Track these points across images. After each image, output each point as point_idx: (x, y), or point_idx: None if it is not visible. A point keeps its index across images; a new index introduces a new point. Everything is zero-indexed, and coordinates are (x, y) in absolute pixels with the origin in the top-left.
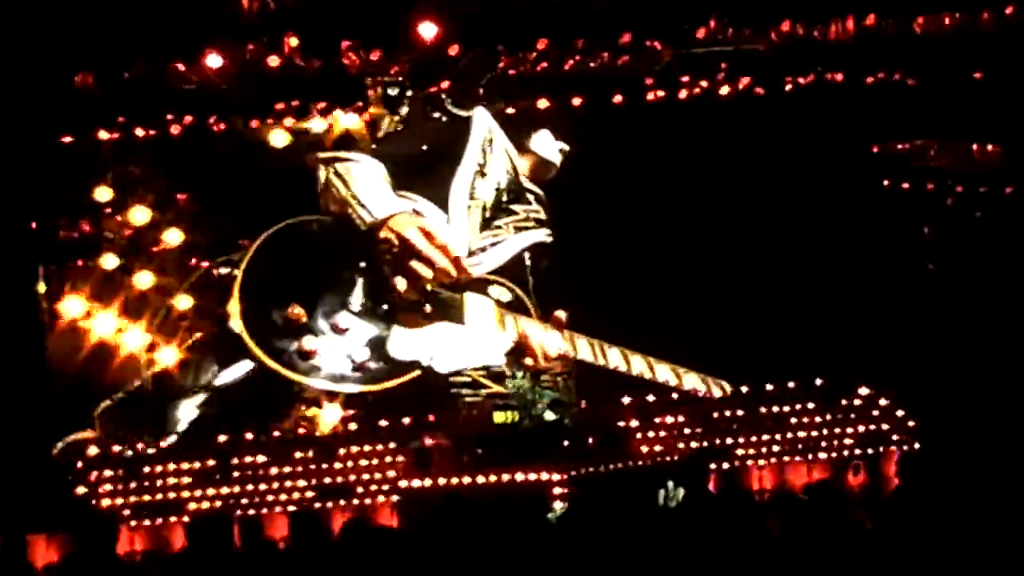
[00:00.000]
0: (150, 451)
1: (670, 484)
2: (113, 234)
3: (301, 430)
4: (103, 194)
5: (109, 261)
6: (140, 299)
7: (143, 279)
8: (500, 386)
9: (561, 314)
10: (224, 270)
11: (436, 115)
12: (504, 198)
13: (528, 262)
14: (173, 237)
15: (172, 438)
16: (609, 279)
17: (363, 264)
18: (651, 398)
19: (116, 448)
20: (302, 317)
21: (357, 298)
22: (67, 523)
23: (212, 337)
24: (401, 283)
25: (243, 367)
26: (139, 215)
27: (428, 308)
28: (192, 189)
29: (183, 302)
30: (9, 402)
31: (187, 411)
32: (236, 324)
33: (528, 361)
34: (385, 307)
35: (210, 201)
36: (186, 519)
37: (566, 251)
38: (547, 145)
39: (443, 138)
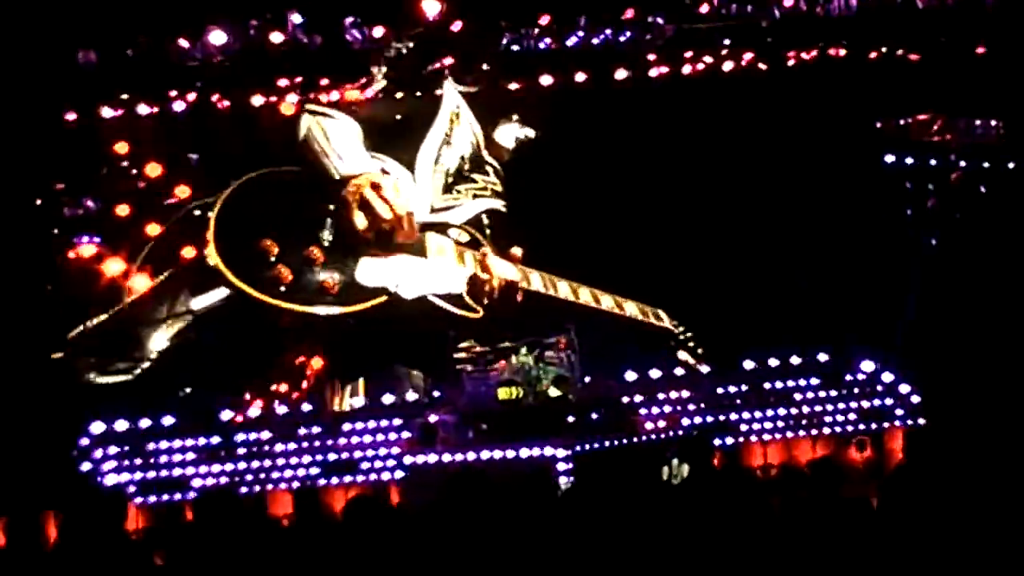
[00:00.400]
0: (123, 377)
1: (674, 461)
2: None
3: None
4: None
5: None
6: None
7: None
8: (505, 363)
9: (517, 250)
10: (198, 212)
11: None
12: (466, 167)
13: (486, 219)
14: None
15: (145, 364)
16: (611, 260)
17: (332, 207)
18: (655, 374)
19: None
20: (273, 247)
21: (326, 235)
22: (75, 501)
23: (187, 270)
24: (361, 221)
25: (219, 293)
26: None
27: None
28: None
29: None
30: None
31: (161, 339)
32: (212, 257)
33: (486, 287)
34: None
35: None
36: (191, 496)
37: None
38: (506, 134)
39: (415, 109)
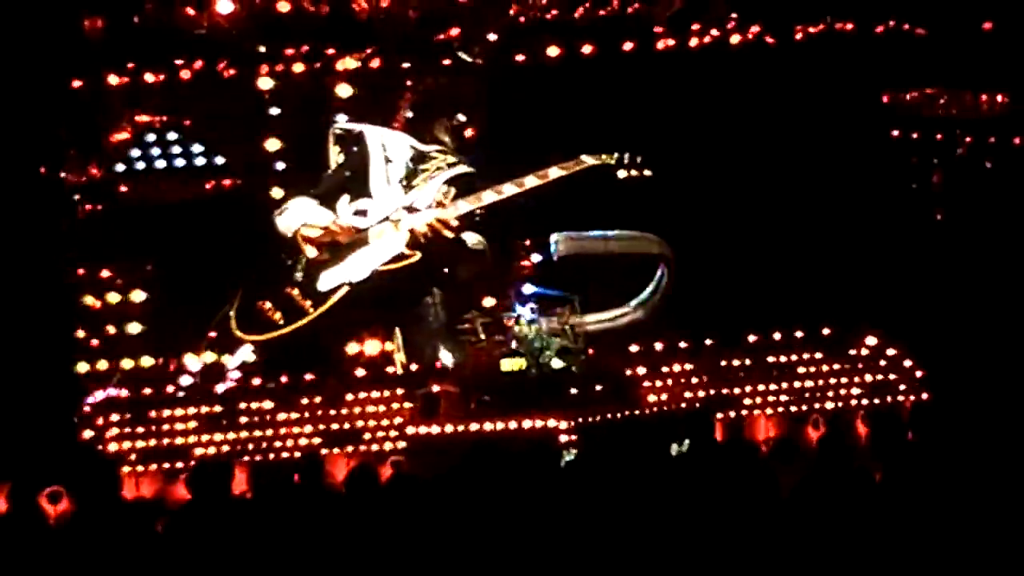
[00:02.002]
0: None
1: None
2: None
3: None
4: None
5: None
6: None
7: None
8: (507, 335)
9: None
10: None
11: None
12: (413, 165)
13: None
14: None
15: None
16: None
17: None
18: (659, 346)
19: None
20: (267, 306)
21: (299, 275)
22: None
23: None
24: (311, 252)
25: (246, 350)
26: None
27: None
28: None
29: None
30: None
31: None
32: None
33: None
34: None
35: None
36: (192, 464)
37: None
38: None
39: (353, 159)
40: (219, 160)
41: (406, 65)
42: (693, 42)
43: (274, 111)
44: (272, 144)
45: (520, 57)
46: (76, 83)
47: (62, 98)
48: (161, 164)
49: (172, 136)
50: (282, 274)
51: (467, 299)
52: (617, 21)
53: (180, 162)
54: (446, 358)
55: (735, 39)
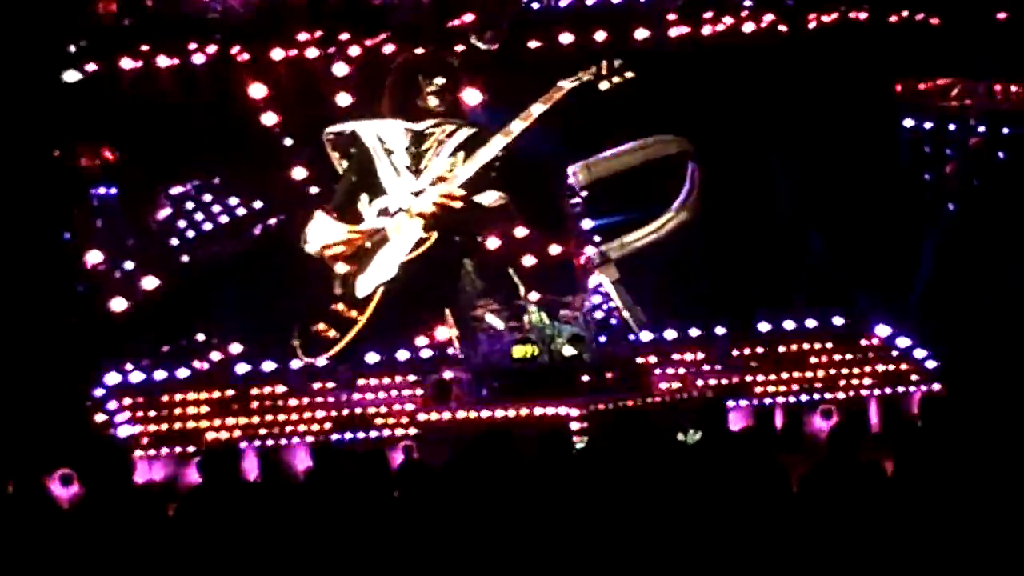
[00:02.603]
0: None
1: (691, 431)
2: None
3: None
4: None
5: None
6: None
7: None
8: (519, 322)
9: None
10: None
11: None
12: (415, 148)
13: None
14: None
15: None
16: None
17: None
18: (670, 335)
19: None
20: (320, 325)
21: (338, 290)
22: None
23: None
24: (341, 267)
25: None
26: None
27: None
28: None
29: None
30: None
31: None
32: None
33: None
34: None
35: None
36: (204, 449)
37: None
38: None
39: (356, 161)
40: (257, 204)
41: (419, 51)
42: (706, 31)
43: (288, 142)
44: (298, 172)
45: (533, 44)
46: (90, 67)
47: (76, 83)
48: (208, 226)
49: (207, 198)
50: (325, 294)
51: (500, 260)
52: (630, 9)
53: (224, 219)
54: (494, 321)
55: (748, 28)
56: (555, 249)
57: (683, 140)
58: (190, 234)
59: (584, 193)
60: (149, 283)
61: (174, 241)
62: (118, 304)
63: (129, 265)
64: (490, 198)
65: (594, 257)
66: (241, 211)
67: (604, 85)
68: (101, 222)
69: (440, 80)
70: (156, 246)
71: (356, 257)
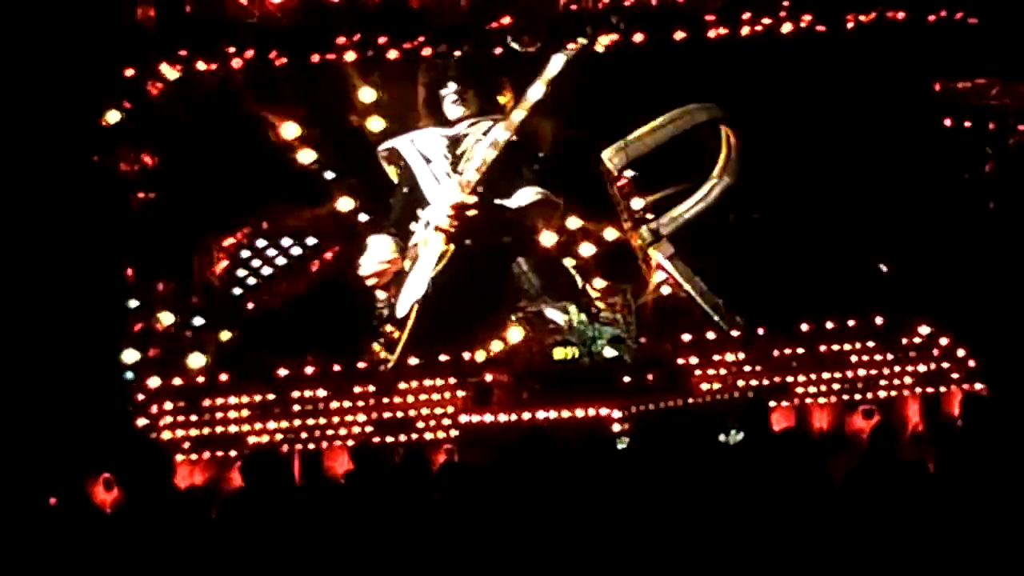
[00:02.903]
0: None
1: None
2: None
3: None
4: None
5: None
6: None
7: None
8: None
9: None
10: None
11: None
12: (451, 153)
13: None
14: None
15: None
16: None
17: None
18: (711, 335)
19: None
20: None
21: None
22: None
23: None
24: (382, 294)
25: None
26: None
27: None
28: None
29: None
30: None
31: None
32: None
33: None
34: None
35: None
36: (245, 453)
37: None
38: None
39: (403, 175)
40: (310, 241)
41: (457, 53)
42: (744, 31)
43: (329, 175)
44: (345, 203)
45: (571, 46)
46: (128, 72)
47: (115, 87)
48: (267, 270)
49: (261, 243)
50: (373, 317)
51: (556, 253)
52: (668, 10)
53: (281, 260)
54: (555, 316)
55: (786, 28)
56: (611, 234)
57: (713, 107)
58: (251, 281)
59: (629, 173)
60: (224, 336)
61: (237, 291)
62: (195, 360)
63: (199, 321)
64: (527, 196)
65: (646, 235)
66: (296, 250)
67: (600, 48)
68: (163, 286)
69: (453, 86)
70: (221, 299)
71: (395, 279)
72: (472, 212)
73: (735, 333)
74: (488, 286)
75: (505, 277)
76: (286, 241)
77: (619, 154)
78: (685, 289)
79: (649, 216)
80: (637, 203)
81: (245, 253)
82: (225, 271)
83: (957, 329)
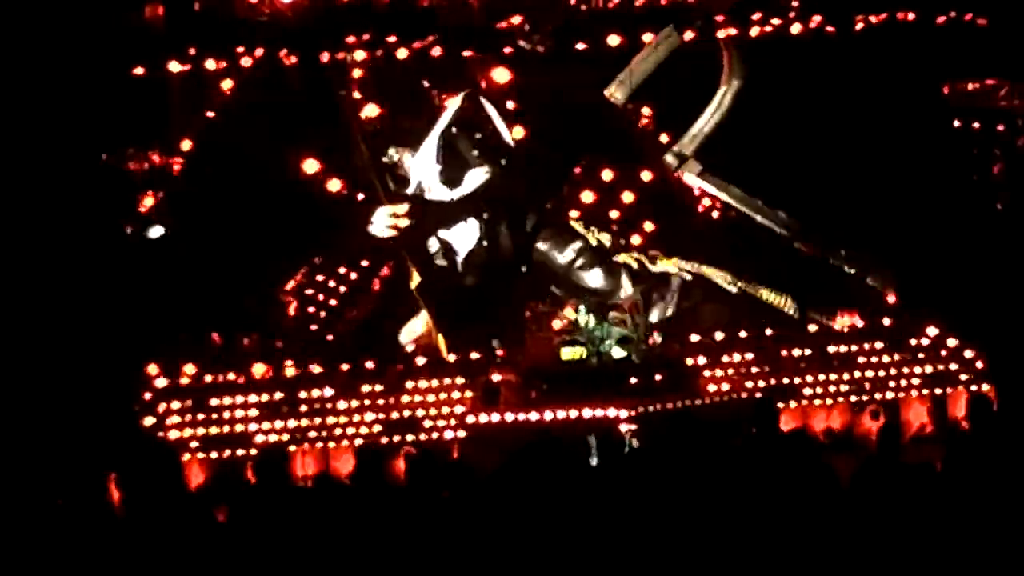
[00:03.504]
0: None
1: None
2: None
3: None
4: None
5: None
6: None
7: None
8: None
9: None
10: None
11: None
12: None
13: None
14: None
15: None
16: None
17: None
18: (719, 336)
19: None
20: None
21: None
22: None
23: None
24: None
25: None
26: None
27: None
28: None
29: None
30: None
31: None
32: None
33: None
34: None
35: None
36: (252, 452)
37: None
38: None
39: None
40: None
41: (466, 53)
42: (754, 32)
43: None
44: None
45: (581, 46)
46: (137, 70)
47: (123, 85)
48: (333, 302)
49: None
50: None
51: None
52: (677, 11)
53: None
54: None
55: (796, 29)
56: (647, 175)
57: (670, 27)
58: (322, 315)
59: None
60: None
61: (313, 327)
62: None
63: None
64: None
65: (671, 161)
66: (353, 275)
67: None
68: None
69: (478, 135)
70: (297, 337)
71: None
72: (404, 223)
73: (783, 232)
74: (509, 273)
75: (525, 259)
76: (341, 269)
77: (621, 87)
78: (723, 200)
79: (668, 141)
80: (664, 137)
81: (308, 291)
82: (297, 312)
83: (965, 330)
